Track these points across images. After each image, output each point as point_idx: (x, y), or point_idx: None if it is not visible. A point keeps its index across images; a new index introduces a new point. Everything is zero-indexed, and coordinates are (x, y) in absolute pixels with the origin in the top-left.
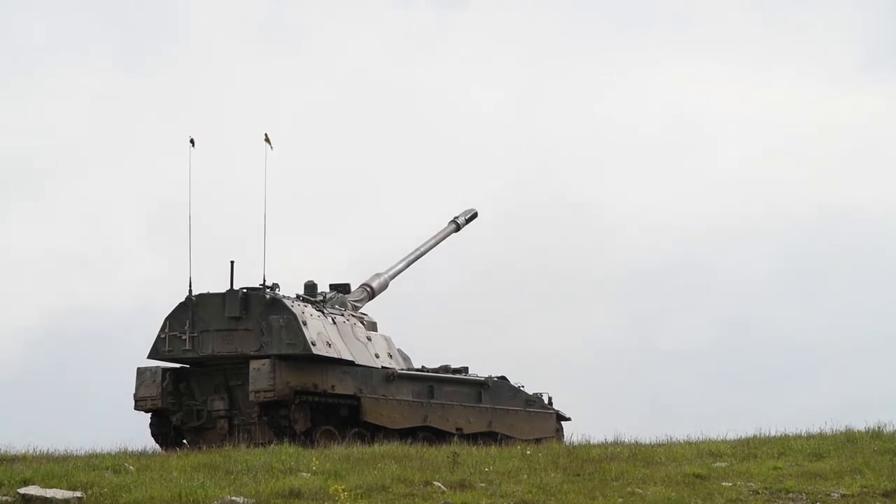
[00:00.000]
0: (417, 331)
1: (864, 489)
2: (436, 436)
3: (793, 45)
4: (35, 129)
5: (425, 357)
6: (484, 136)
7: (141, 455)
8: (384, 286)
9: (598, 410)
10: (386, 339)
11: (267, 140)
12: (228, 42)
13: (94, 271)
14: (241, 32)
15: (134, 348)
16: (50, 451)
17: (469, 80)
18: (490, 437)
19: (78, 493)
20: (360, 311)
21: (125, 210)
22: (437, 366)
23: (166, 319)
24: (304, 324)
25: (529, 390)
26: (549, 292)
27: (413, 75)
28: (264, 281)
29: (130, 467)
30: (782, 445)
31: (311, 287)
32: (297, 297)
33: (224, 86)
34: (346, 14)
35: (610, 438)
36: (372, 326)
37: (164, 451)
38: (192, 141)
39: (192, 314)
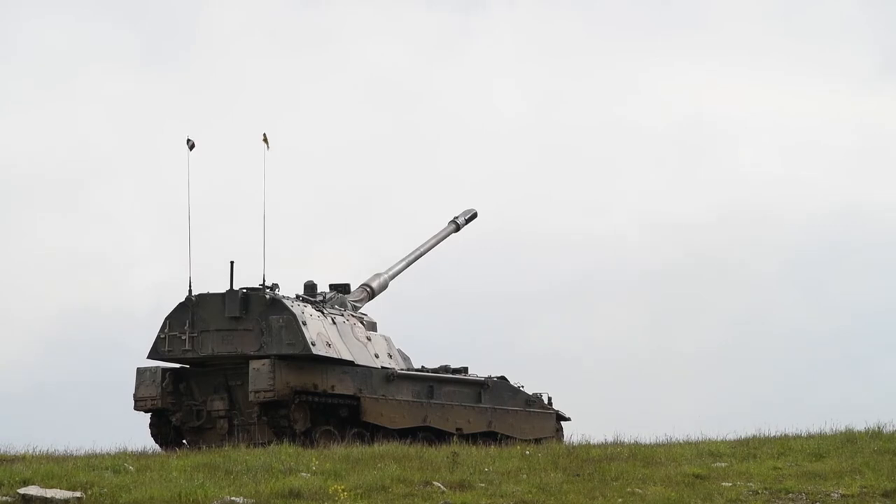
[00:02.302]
0: (417, 331)
1: (864, 489)
2: (436, 436)
3: (807, 48)
4: (53, 134)
5: (425, 357)
6: (488, 137)
7: (141, 455)
8: (384, 286)
9: (599, 410)
10: (386, 339)
11: (265, 140)
12: (241, 44)
13: (113, 273)
14: (260, 36)
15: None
16: (50, 451)
17: (475, 81)
18: (490, 437)
19: (78, 494)
20: (359, 311)
21: (146, 212)
22: (436, 366)
23: (166, 319)
24: (304, 324)
25: (529, 390)
26: (551, 291)
27: (424, 76)
28: (264, 281)
29: (130, 467)
30: (782, 445)
31: (310, 287)
32: (297, 297)
33: (238, 87)
34: (362, 14)
35: (610, 438)
36: (372, 326)
37: (163, 452)
38: (189, 143)
39: (191, 314)
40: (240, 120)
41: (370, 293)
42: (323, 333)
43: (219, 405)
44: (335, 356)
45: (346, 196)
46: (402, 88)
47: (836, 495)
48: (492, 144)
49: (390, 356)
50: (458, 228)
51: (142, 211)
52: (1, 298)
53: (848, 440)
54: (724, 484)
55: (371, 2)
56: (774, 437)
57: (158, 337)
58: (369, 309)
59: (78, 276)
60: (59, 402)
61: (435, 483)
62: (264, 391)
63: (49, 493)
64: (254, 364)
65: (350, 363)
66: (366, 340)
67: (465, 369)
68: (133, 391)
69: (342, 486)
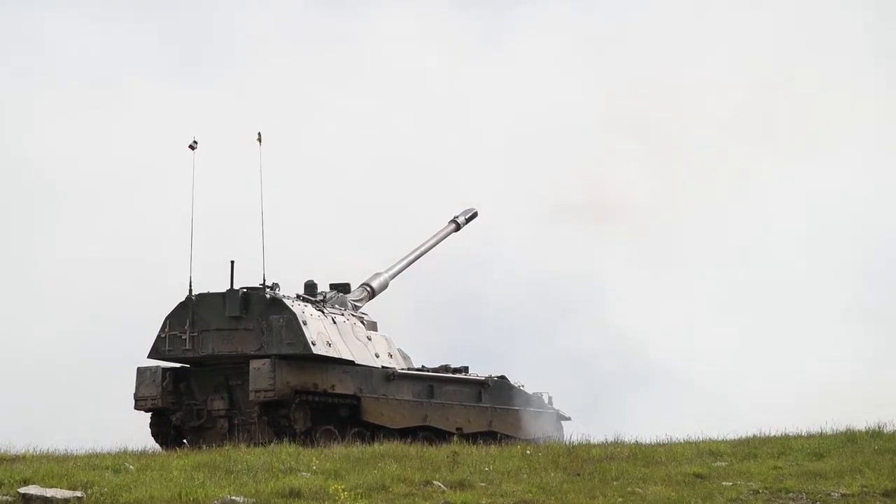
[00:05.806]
0: (417, 330)
1: (865, 489)
2: (436, 435)
3: None
4: (90, 142)
5: (425, 357)
6: (489, 138)
7: (141, 455)
8: (384, 286)
9: (598, 410)
10: (386, 339)
11: (259, 139)
12: (265, 48)
13: (143, 277)
14: (279, 34)
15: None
16: (50, 450)
17: (476, 81)
18: (490, 436)
19: (78, 493)
20: (360, 310)
21: (172, 217)
22: (437, 365)
23: (166, 319)
24: (305, 323)
25: (529, 390)
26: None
27: (434, 76)
28: (264, 280)
29: (130, 467)
30: (782, 445)
31: (311, 287)
32: (298, 296)
33: (253, 88)
34: (377, 15)
35: (610, 438)
36: (372, 326)
37: (164, 451)
38: (194, 144)
39: (192, 314)
40: (254, 121)
41: (370, 292)
42: (323, 333)
43: (219, 405)
44: (335, 356)
45: (347, 196)
46: (410, 89)
47: (836, 495)
48: (491, 143)
49: (390, 356)
50: (458, 228)
51: (164, 214)
52: (32, 300)
53: (848, 440)
54: (724, 483)
55: (396, 4)
56: (775, 436)
57: (159, 336)
58: (369, 308)
59: (101, 282)
60: (59, 400)
61: (435, 482)
62: (265, 391)
63: (49, 492)
64: (254, 364)
65: (350, 363)
66: (366, 340)
67: (466, 369)
68: (133, 390)
69: (342, 486)
